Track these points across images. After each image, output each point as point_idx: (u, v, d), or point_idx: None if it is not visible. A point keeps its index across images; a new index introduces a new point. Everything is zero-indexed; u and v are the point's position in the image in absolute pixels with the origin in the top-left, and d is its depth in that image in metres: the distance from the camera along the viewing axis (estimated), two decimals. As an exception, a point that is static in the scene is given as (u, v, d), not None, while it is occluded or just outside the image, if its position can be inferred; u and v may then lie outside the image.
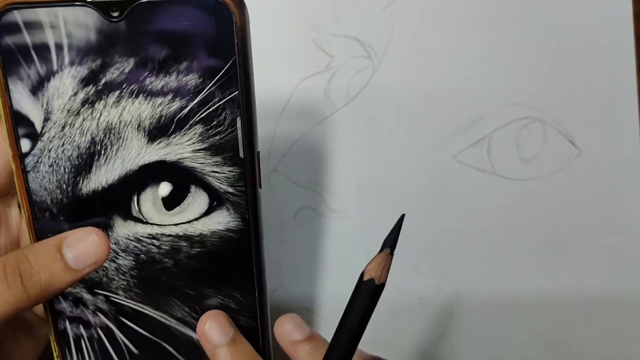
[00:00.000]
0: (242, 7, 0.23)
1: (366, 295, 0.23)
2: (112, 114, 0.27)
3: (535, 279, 0.36)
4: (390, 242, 0.23)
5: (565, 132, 0.36)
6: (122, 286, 0.29)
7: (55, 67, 0.25)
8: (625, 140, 0.36)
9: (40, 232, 0.27)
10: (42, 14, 0.24)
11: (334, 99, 0.36)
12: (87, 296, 0.29)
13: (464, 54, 0.36)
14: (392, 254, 0.23)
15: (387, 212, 0.36)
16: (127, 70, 0.25)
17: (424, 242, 0.36)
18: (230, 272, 0.29)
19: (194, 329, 0.29)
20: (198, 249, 0.29)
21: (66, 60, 0.25)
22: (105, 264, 0.28)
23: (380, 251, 0.23)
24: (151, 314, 0.29)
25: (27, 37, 0.24)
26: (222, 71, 0.25)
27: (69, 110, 0.26)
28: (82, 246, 0.24)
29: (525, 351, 0.36)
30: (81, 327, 0.29)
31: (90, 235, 0.25)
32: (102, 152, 0.27)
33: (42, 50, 0.25)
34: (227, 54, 0.24)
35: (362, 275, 0.23)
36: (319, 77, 0.35)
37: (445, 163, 0.36)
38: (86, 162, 0.27)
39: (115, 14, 0.23)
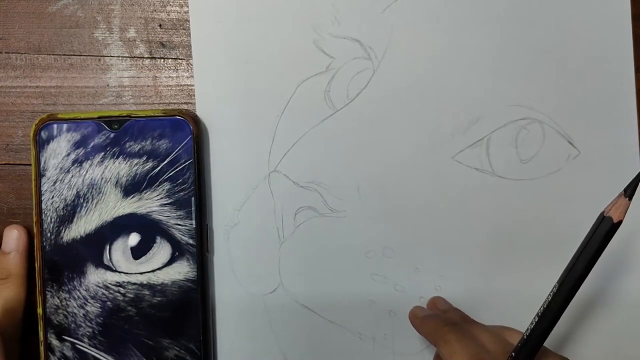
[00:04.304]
0: (197, 122, 0.34)
1: (602, 232, 0.25)
2: (97, 172, 0.33)
3: (534, 279, 0.36)
4: (629, 189, 0.24)
5: (564, 133, 0.36)
6: (88, 333, 0.33)
7: (71, 162, 0.33)
8: (624, 141, 0.36)
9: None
10: (68, 128, 0.33)
11: (334, 100, 0.36)
12: (55, 342, 0.33)
13: (463, 55, 0.36)
14: (630, 198, 0.24)
15: (387, 212, 0.36)
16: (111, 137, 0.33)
17: (423, 242, 0.36)
18: (185, 322, 0.33)
19: None
20: (159, 298, 0.33)
21: (79, 158, 0.33)
22: (75, 310, 0.33)
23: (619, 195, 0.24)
24: None
25: (56, 143, 0.33)
26: (181, 158, 0.33)
27: (60, 169, 0.33)
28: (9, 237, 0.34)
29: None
30: None
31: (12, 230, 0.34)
32: (84, 204, 0.33)
33: (66, 153, 0.33)
34: (186, 153, 0.33)
35: (601, 214, 0.25)
36: (319, 78, 0.36)
37: (444, 163, 0.36)
38: (70, 213, 0.33)
39: (115, 126, 0.33)
